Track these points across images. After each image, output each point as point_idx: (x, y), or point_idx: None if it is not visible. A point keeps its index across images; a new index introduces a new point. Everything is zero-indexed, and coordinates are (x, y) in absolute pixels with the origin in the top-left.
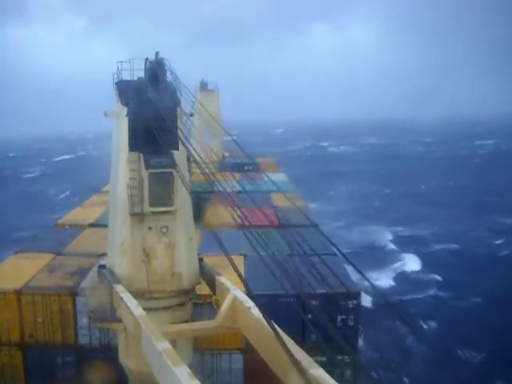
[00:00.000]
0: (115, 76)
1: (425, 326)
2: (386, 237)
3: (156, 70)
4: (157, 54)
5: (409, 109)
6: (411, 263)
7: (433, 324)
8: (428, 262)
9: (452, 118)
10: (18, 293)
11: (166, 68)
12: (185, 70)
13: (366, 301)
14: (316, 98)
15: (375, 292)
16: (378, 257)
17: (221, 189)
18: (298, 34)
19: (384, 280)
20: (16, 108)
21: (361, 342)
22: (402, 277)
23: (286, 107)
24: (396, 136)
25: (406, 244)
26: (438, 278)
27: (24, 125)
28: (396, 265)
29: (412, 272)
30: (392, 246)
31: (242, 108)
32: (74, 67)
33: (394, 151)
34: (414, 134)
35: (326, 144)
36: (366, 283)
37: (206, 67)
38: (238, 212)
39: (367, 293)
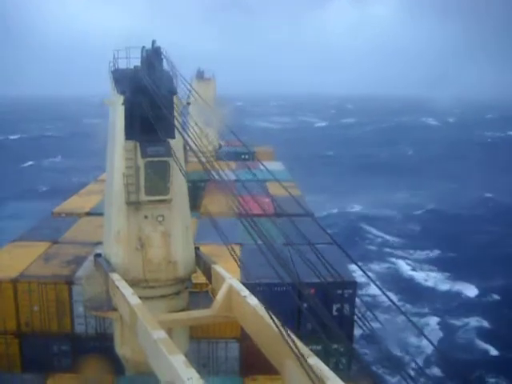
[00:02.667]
0: (111, 64)
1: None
2: None
3: (152, 58)
4: (153, 42)
5: (423, 89)
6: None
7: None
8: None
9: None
10: (14, 281)
11: (163, 56)
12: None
13: (370, 291)
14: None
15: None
16: None
17: (217, 178)
18: (316, 7)
19: None
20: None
21: (356, 331)
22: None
23: (303, 81)
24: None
25: None
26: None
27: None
28: None
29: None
30: None
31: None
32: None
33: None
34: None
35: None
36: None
37: (218, 37)
38: (235, 201)
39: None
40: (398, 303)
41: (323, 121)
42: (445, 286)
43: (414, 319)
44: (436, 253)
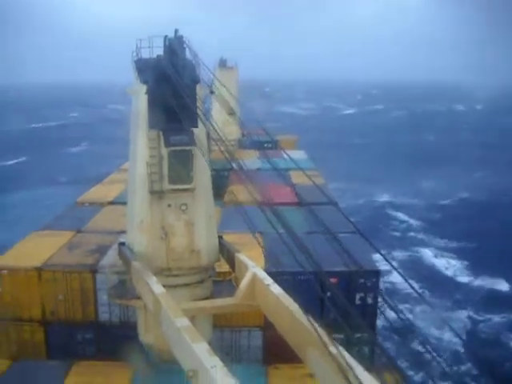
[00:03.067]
0: (134, 54)
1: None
2: None
3: (175, 47)
4: (176, 31)
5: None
6: None
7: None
8: None
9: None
10: (39, 270)
11: (185, 45)
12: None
13: (393, 279)
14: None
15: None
16: None
17: (240, 166)
18: None
19: None
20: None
21: (380, 321)
22: None
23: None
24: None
25: None
26: None
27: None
28: None
29: None
30: None
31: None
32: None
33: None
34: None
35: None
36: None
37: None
38: (258, 190)
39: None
40: (421, 292)
41: (350, 107)
42: (470, 278)
43: (438, 310)
44: (463, 243)
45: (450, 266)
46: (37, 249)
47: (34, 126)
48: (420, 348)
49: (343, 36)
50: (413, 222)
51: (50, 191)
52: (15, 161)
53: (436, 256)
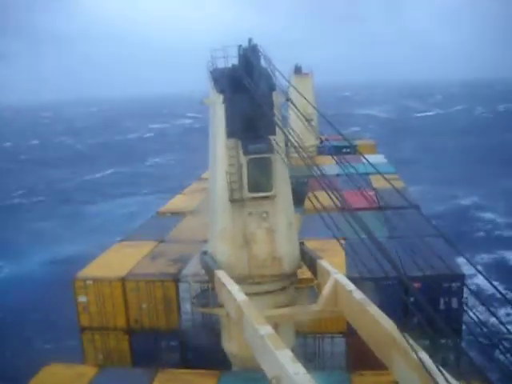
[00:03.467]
0: (209, 64)
1: None
2: None
3: (250, 56)
4: (250, 40)
5: None
6: None
7: None
8: None
9: None
10: (123, 280)
11: (260, 54)
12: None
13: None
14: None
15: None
16: None
17: (320, 173)
18: None
19: None
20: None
21: (466, 326)
22: None
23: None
24: None
25: None
26: None
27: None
28: None
29: None
30: None
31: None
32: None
33: None
34: None
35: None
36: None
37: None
38: (338, 195)
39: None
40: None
41: (431, 107)
42: None
43: None
44: None
45: None
46: (120, 259)
47: (117, 138)
48: (507, 355)
49: (419, 36)
50: (497, 223)
51: (132, 201)
52: (102, 173)
53: None
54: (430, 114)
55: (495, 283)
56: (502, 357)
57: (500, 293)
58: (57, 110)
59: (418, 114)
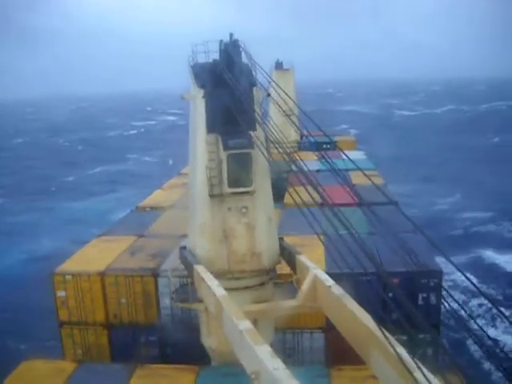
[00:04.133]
0: (190, 59)
1: None
2: None
3: (231, 51)
4: (231, 35)
5: None
6: None
7: None
8: None
9: None
10: (102, 275)
11: (241, 49)
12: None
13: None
14: None
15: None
16: None
17: (300, 168)
18: None
19: None
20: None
21: (444, 321)
22: None
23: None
24: None
25: None
26: None
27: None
28: None
29: None
30: None
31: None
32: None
33: None
34: None
35: None
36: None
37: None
38: (318, 191)
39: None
40: (486, 291)
41: (412, 106)
42: None
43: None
44: None
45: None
46: (99, 254)
47: (98, 135)
48: (483, 349)
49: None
50: (475, 221)
51: (112, 197)
52: (94, 170)
53: (498, 253)
54: (413, 113)
55: (472, 278)
56: (477, 351)
57: (476, 287)
58: (39, 106)
59: (400, 112)
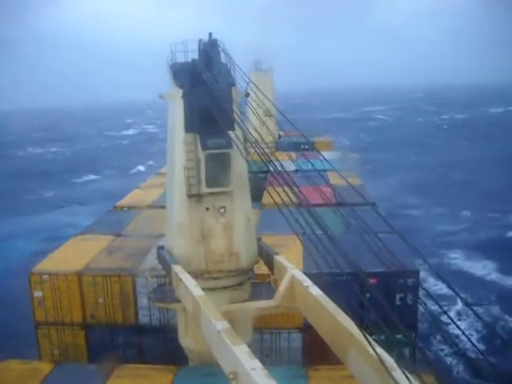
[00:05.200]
0: (169, 59)
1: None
2: None
3: (210, 51)
4: (210, 34)
5: None
6: None
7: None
8: None
9: None
10: (79, 274)
11: (220, 49)
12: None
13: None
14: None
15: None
16: None
17: (278, 168)
18: None
19: None
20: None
21: (421, 321)
22: None
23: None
24: None
25: None
26: None
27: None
28: None
29: None
30: None
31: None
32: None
33: None
34: None
35: None
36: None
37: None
38: (296, 191)
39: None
40: (461, 293)
41: (392, 112)
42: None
43: (477, 309)
44: (495, 244)
45: (482, 266)
46: (77, 253)
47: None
48: (459, 345)
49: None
50: (444, 226)
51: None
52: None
53: (468, 258)
54: (390, 119)
55: (448, 281)
56: (452, 350)
57: (453, 290)
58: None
59: (379, 116)
